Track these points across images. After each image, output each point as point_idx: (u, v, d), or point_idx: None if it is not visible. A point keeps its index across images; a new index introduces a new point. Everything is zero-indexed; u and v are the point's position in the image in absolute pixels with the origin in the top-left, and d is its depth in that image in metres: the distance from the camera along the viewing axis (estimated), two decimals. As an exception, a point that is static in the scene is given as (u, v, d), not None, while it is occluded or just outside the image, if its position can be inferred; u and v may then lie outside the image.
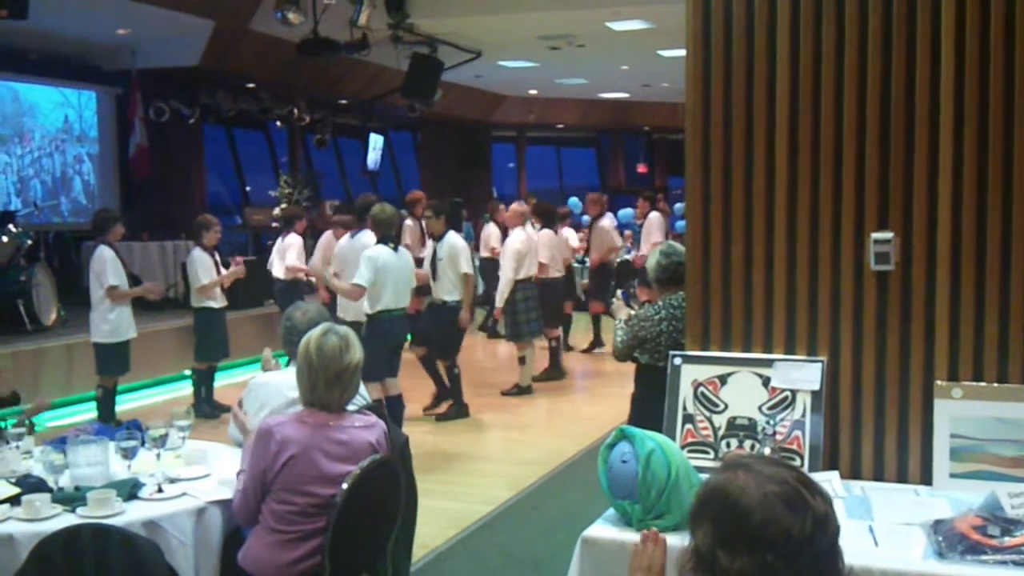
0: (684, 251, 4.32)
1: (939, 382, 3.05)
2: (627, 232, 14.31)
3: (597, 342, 11.32)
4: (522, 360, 9.23)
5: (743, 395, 3.26)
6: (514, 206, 9.81)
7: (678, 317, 4.14)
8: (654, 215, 12.00)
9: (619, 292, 4.83)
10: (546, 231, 10.03)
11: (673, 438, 3.22)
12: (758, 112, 3.29)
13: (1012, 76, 2.97)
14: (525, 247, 9.11)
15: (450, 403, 8.27)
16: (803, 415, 3.17)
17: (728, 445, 3.24)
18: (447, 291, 7.95)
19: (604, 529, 2.81)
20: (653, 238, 11.40)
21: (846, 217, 3.19)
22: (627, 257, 12.60)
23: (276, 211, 13.19)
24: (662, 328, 4.16)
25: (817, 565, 1.52)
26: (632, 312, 4.36)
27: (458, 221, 8.33)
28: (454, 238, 8.07)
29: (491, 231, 12.48)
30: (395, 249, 6.92)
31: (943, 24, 3.05)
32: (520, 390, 9.18)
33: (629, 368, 4.50)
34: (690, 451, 3.22)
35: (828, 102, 3.20)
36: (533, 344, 9.29)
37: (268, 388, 3.75)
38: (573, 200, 16.56)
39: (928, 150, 3.06)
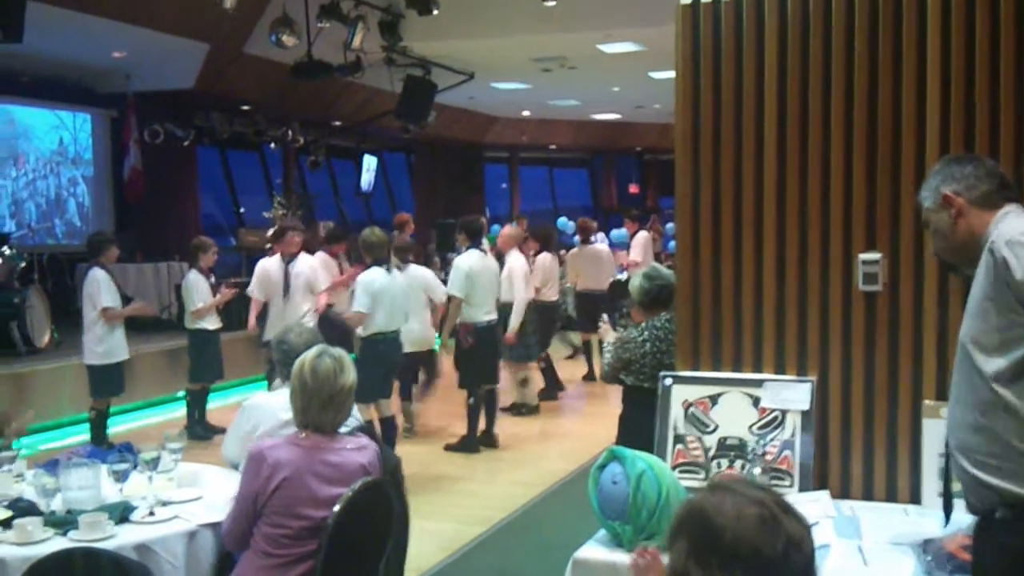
0: (668, 274, 4.36)
1: (927, 402, 3.07)
2: (621, 252, 14.29)
3: (591, 373, 10.91)
4: (524, 382, 9.18)
5: (733, 415, 3.27)
6: (507, 229, 9.48)
7: (661, 338, 4.16)
8: (642, 235, 12.00)
9: (605, 316, 4.84)
10: (544, 254, 9.93)
11: (664, 458, 3.23)
12: (747, 133, 3.33)
13: (996, 96, 3.01)
14: (526, 269, 9.06)
15: (462, 437, 7.85)
16: (793, 435, 3.18)
17: (719, 465, 3.25)
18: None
19: (595, 550, 2.82)
20: (639, 259, 11.34)
21: (834, 238, 3.22)
22: (619, 277, 12.59)
23: (269, 232, 13.19)
24: (646, 349, 4.18)
25: None
26: (619, 335, 4.38)
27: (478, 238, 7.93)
28: (457, 260, 7.91)
29: None
30: (388, 271, 6.95)
31: (928, 46, 3.09)
32: (529, 409, 9.16)
33: (620, 387, 4.51)
34: (681, 472, 3.23)
35: (816, 123, 3.23)
36: (529, 365, 9.27)
37: (262, 410, 3.76)
38: (562, 220, 16.54)
39: (915, 171, 3.09)
